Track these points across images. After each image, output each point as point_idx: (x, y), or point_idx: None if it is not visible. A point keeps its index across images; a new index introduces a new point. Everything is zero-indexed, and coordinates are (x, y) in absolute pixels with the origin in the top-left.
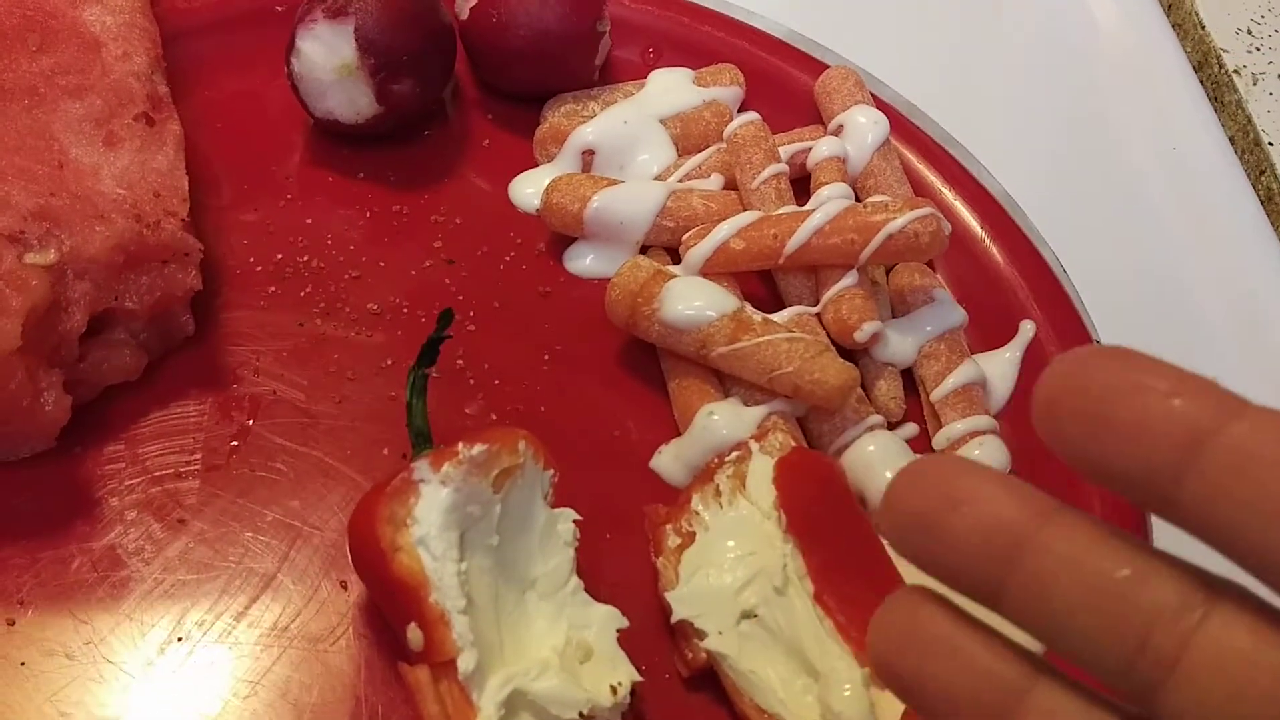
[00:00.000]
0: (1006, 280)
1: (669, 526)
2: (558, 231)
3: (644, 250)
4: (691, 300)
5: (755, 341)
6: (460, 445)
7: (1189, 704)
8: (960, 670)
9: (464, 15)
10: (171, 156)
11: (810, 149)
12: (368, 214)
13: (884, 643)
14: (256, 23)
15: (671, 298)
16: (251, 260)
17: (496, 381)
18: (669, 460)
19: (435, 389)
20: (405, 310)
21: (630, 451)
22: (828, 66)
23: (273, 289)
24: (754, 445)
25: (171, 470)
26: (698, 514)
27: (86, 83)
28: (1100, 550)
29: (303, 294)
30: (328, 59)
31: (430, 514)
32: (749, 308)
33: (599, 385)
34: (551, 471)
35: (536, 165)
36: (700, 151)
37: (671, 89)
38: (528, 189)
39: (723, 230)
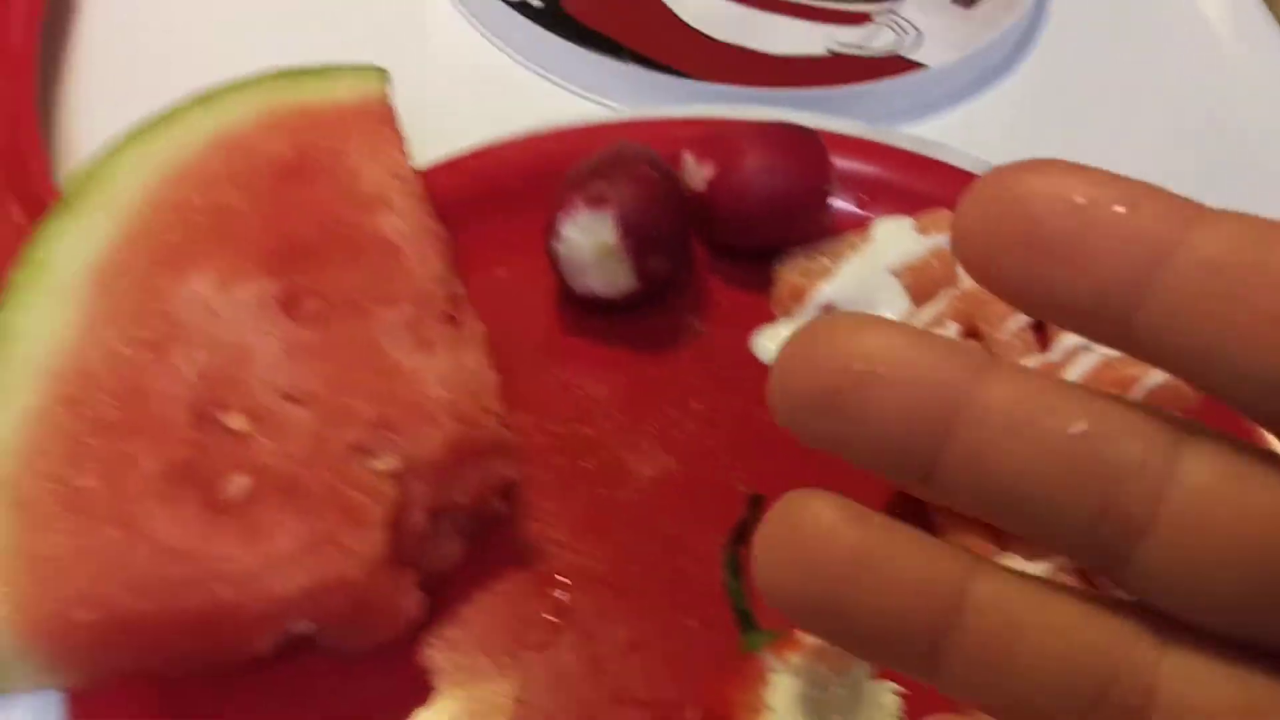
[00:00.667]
0: None
1: None
2: None
3: None
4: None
5: None
6: (800, 634)
7: (1169, 568)
8: (886, 584)
9: (700, 187)
10: (479, 356)
11: None
12: (627, 380)
13: (780, 569)
14: (508, 209)
15: None
16: (534, 434)
17: None
18: None
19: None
20: (679, 475)
21: None
22: None
23: (557, 461)
24: None
25: (501, 650)
26: None
27: (395, 290)
28: (1048, 404)
29: (585, 465)
30: (589, 241)
31: (783, 702)
32: None
33: None
34: None
35: (774, 319)
36: (931, 300)
37: (896, 239)
38: (770, 344)
39: None
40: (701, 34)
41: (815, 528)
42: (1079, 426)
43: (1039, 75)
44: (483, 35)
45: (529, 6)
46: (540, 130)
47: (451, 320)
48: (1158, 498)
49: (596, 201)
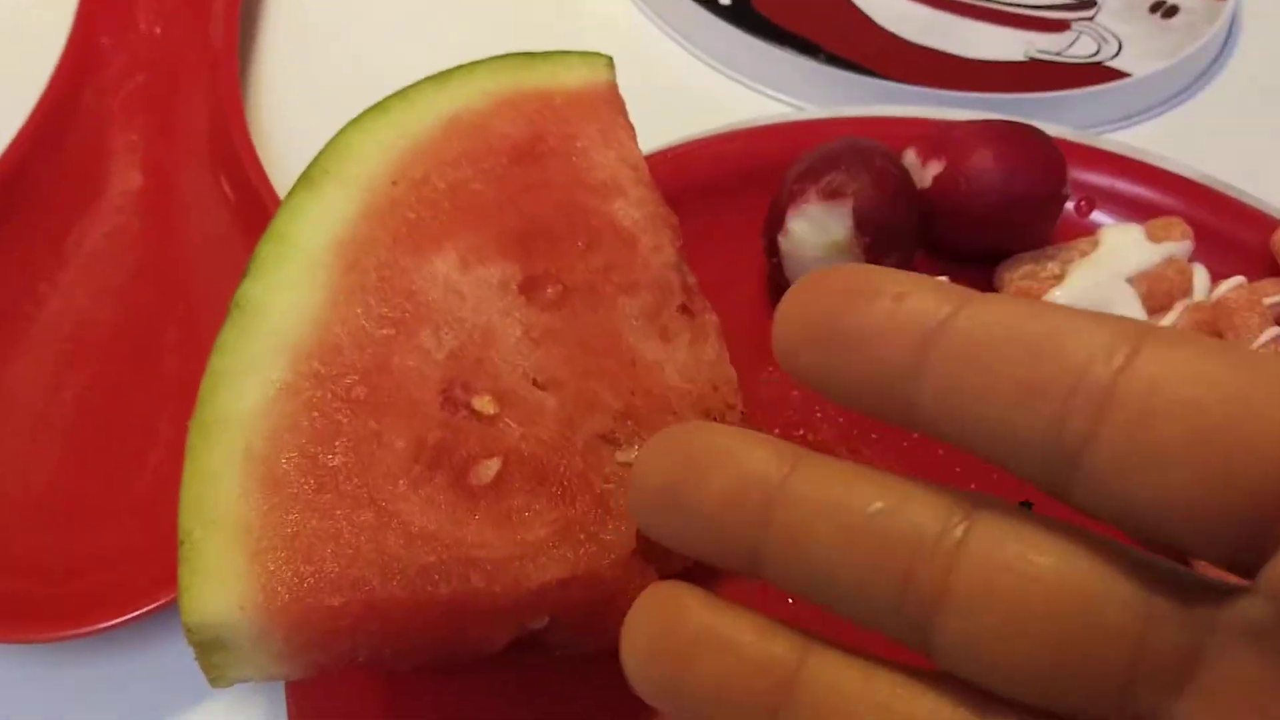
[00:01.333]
0: None
1: None
2: None
3: None
4: None
5: None
6: None
7: (961, 637)
8: (728, 662)
9: (925, 183)
10: (716, 347)
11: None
12: None
13: (640, 648)
14: (716, 202)
15: None
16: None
17: None
18: None
19: None
20: None
21: None
22: (1262, 214)
23: None
24: None
25: None
26: None
27: (633, 278)
28: (850, 488)
29: None
30: (818, 237)
31: None
32: None
33: None
34: None
35: None
36: (1163, 310)
37: (1128, 246)
38: None
39: None
40: (898, 37)
41: (668, 611)
42: (876, 505)
43: (1237, 84)
44: (669, 35)
45: (716, 4)
46: (750, 125)
47: (687, 311)
48: (949, 569)
49: (832, 194)
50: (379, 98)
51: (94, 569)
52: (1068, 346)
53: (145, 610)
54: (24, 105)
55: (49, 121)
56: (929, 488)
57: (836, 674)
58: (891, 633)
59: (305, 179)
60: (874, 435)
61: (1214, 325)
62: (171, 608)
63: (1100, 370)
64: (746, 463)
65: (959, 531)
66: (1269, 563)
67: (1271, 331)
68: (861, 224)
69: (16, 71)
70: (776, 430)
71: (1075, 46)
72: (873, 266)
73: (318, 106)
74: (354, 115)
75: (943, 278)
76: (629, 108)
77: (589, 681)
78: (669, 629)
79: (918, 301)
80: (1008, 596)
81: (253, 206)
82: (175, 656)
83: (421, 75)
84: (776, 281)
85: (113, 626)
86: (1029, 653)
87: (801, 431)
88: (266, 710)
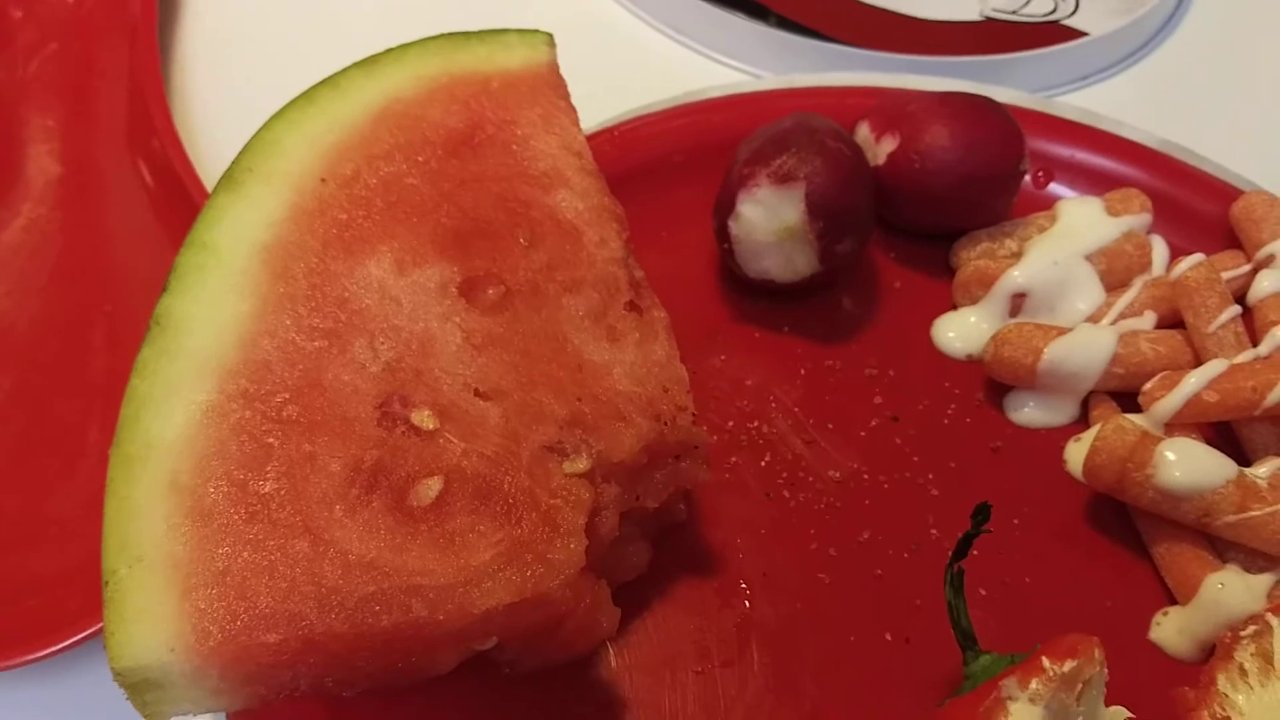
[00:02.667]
0: None
1: (1205, 713)
2: (1003, 382)
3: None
4: (1192, 467)
5: (1268, 510)
6: (1045, 660)
7: None
8: None
9: (879, 161)
10: (666, 346)
11: (1240, 279)
12: (802, 371)
13: None
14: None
15: (1168, 464)
16: (706, 429)
17: (975, 552)
18: (1172, 633)
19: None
20: (866, 476)
21: (1121, 622)
22: (1221, 184)
23: (734, 459)
24: (1273, 619)
25: (687, 665)
26: (1227, 697)
27: (577, 275)
28: None
29: (763, 464)
30: (769, 222)
31: None
32: (1247, 471)
33: (1073, 550)
34: (1106, 670)
35: (954, 307)
36: (1123, 286)
37: (1087, 221)
38: (950, 333)
39: (1191, 382)
40: None
41: None
42: None
43: (1194, 40)
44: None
45: None
46: (694, 99)
47: (634, 308)
48: None
49: (783, 177)
50: (310, 69)
51: (24, 594)
52: None
53: (78, 638)
54: None
55: None
56: None
57: None
58: None
59: (228, 179)
60: (829, 425)
61: (1173, 303)
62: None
63: None
64: None
65: None
66: None
67: (1231, 311)
68: (814, 208)
69: None
70: (731, 422)
71: (1031, 4)
72: None
73: (244, 80)
74: (285, 91)
75: None
76: (575, 76)
77: (543, 694)
78: None
79: None
80: None
81: (174, 192)
82: (109, 685)
83: (356, 45)
84: (727, 265)
85: (42, 656)
86: None
87: (756, 423)
88: None
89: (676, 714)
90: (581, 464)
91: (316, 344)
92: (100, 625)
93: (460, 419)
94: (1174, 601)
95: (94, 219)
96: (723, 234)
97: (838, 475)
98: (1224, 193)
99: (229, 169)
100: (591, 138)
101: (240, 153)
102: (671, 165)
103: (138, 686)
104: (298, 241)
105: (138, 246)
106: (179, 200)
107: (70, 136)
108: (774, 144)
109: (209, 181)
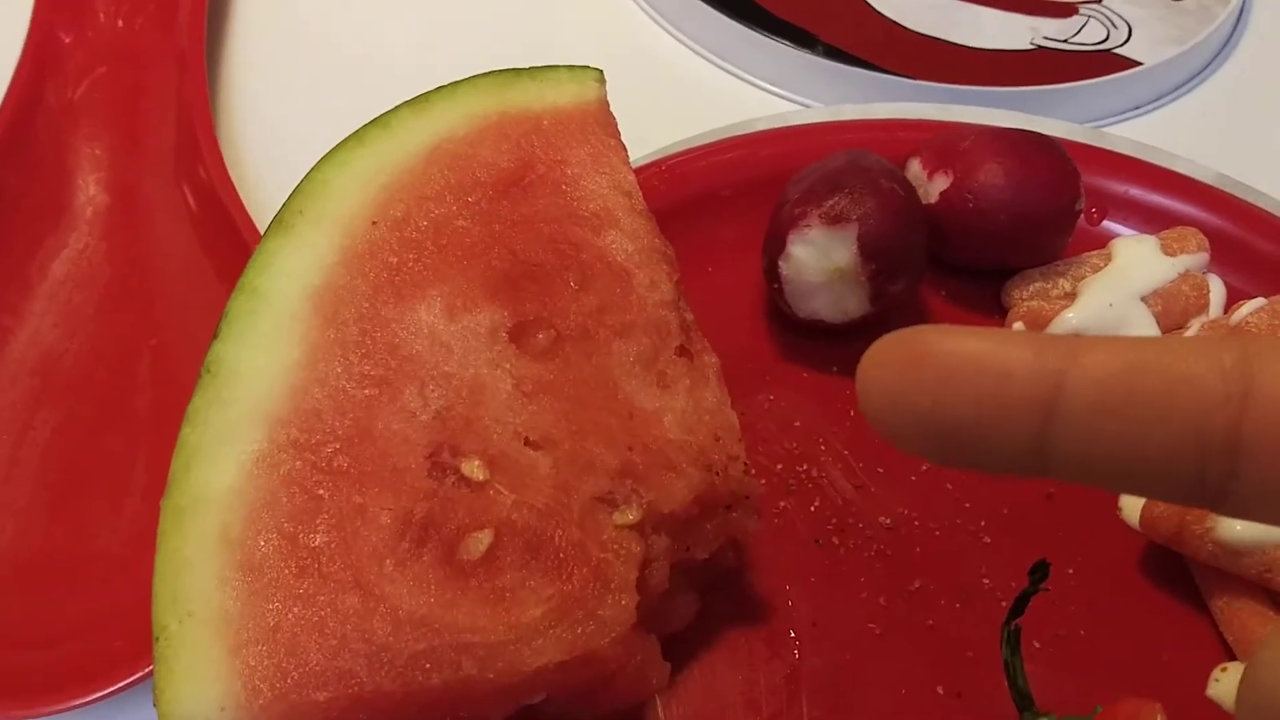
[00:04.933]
0: None
1: None
2: None
3: None
4: (1255, 522)
5: None
6: None
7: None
8: (992, 378)
9: (931, 199)
10: (717, 392)
11: None
12: (851, 413)
13: (883, 386)
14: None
15: (1229, 518)
16: (755, 473)
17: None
18: (1230, 690)
19: (971, 620)
20: (917, 523)
21: (1179, 678)
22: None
23: (783, 504)
24: None
25: (742, 713)
26: None
27: (628, 319)
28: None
29: (812, 509)
30: (820, 262)
31: None
32: None
33: (1129, 602)
34: None
35: None
36: (1179, 328)
37: (1142, 261)
38: None
39: None
40: (899, 25)
41: (909, 348)
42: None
43: (1249, 68)
44: (663, 27)
45: None
46: (740, 130)
47: (685, 352)
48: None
49: (835, 219)
50: (359, 99)
51: (70, 635)
52: (1182, 402)
53: (126, 683)
54: None
55: (10, 131)
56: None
57: (1114, 351)
58: (1191, 499)
59: (278, 222)
60: (879, 470)
61: None
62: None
63: (1220, 421)
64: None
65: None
66: None
67: None
68: (866, 250)
69: None
70: (779, 465)
71: (1083, 32)
72: (933, 330)
73: (293, 112)
74: (333, 122)
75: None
76: (621, 106)
77: None
78: (915, 358)
79: (1023, 380)
80: None
81: (220, 222)
82: None
83: (406, 76)
84: (775, 304)
85: (92, 701)
86: None
87: (805, 466)
88: None
89: None
90: (632, 515)
91: (367, 392)
92: (148, 669)
93: (510, 469)
94: (1233, 657)
95: (140, 249)
96: (772, 273)
97: (888, 521)
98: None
99: (280, 212)
100: (639, 171)
101: (291, 195)
102: (720, 200)
103: None
104: (348, 285)
105: (183, 278)
106: (224, 229)
107: (117, 165)
108: (826, 183)
109: (254, 210)
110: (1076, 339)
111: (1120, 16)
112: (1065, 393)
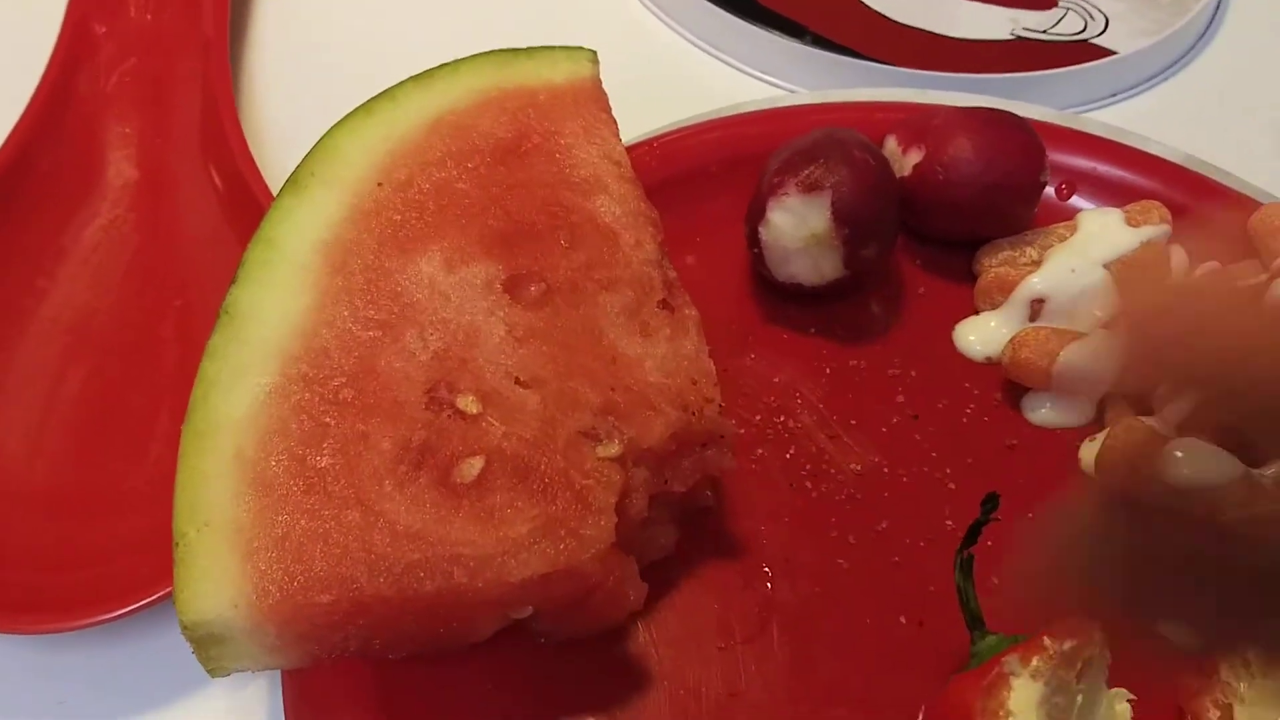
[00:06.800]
0: None
1: (1207, 699)
2: (1021, 384)
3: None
4: (1199, 465)
5: (1273, 507)
6: (1046, 640)
7: None
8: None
9: (905, 172)
10: (695, 342)
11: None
12: (828, 370)
13: None
14: (697, 194)
15: (1175, 462)
16: (734, 422)
17: (989, 542)
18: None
19: (935, 558)
20: (886, 470)
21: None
22: (1242, 197)
23: (760, 451)
24: None
25: (710, 641)
26: (1230, 685)
27: (614, 275)
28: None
29: (788, 456)
30: (798, 229)
31: (1023, 707)
32: (1254, 471)
33: None
34: (1108, 653)
35: (976, 312)
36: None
37: (1106, 231)
38: (970, 336)
39: None
40: (883, 16)
41: None
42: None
43: (1223, 59)
44: (657, 17)
45: None
46: (729, 113)
47: (667, 306)
48: None
49: (810, 186)
50: (369, 81)
51: (96, 561)
52: None
53: (145, 602)
54: (16, 95)
55: (46, 112)
56: None
57: None
58: None
59: (292, 182)
60: (852, 421)
61: None
62: (170, 600)
63: None
64: None
65: None
66: None
67: None
68: (840, 215)
69: (8, 61)
70: (758, 417)
71: (1061, 24)
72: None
73: (308, 93)
74: (344, 102)
75: None
76: (616, 91)
77: (575, 663)
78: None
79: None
80: None
81: (242, 195)
82: (177, 645)
83: (413, 56)
84: (757, 270)
85: (114, 618)
86: None
87: (782, 418)
88: (265, 692)
89: (700, 686)
90: (613, 449)
91: (371, 333)
92: (168, 589)
93: (502, 404)
94: None
95: (167, 220)
96: (753, 239)
97: (859, 468)
98: (1243, 204)
99: (294, 173)
100: (632, 149)
101: (304, 159)
102: (707, 175)
103: (203, 641)
104: (355, 240)
105: (207, 245)
106: (246, 202)
107: (146, 143)
108: (803, 155)
109: (274, 184)
110: None
111: (1098, 9)
112: None
